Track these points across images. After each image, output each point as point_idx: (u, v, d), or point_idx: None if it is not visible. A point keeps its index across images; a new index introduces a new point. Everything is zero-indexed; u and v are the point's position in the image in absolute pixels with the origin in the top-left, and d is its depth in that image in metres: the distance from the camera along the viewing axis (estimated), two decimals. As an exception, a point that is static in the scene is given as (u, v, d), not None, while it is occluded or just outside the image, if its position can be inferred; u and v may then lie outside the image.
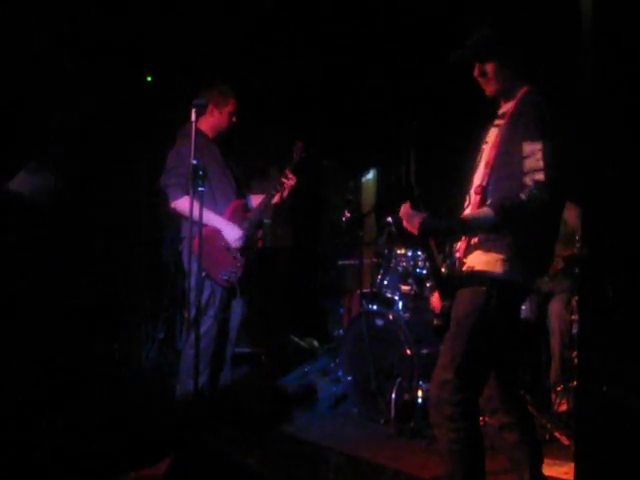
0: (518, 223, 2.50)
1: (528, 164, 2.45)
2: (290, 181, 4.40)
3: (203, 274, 4.13)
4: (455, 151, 3.31)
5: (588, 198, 2.69)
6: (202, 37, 5.62)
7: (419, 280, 4.65)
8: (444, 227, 2.58)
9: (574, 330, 4.21)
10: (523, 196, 2.41)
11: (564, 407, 4.14)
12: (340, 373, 4.85)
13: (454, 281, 2.70)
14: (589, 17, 2.58)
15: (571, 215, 4.34)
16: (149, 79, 5.96)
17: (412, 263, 4.71)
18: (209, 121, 4.39)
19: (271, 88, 6.28)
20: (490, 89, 2.77)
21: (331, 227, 7.15)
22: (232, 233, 4.28)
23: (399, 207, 2.58)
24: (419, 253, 4.70)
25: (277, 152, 4.48)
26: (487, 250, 2.61)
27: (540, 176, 2.41)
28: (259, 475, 3.43)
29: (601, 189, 2.67)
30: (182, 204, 4.09)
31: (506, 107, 2.74)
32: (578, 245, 4.15)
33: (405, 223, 2.56)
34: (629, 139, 2.78)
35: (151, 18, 5.32)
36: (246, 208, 4.50)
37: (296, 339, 6.63)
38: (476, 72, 2.77)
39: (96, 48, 5.31)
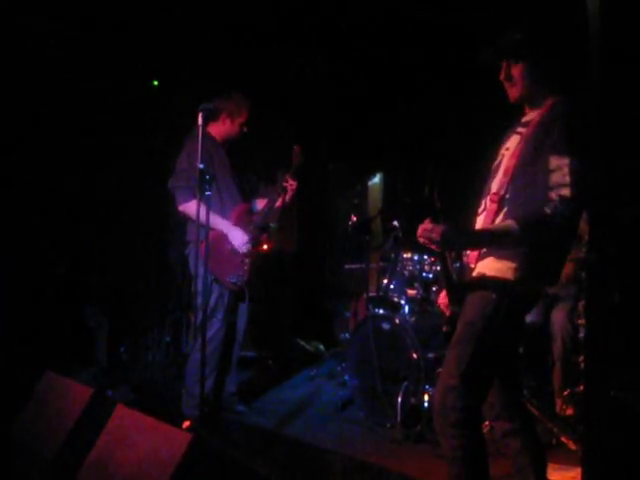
0: (541, 238, 2.47)
1: (554, 178, 2.41)
2: (291, 186, 4.41)
3: (211, 278, 4.14)
4: (474, 160, 3.29)
5: (595, 202, 2.69)
6: (209, 41, 5.64)
7: (425, 284, 4.65)
8: (465, 241, 2.56)
9: (581, 334, 4.20)
10: (548, 210, 2.37)
11: (570, 411, 4.13)
12: (346, 377, 4.85)
13: (464, 287, 2.69)
14: (596, 20, 2.58)
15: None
16: (155, 83, 5.98)
17: (418, 267, 4.71)
18: (221, 128, 4.42)
19: (277, 91, 6.29)
20: (514, 93, 2.71)
21: (337, 231, 7.16)
22: (239, 238, 4.29)
23: (418, 222, 2.50)
24: (425, 257, 4.70)
25: (284, 156, 4.49)
26: (499, 257, 2.58)
27: (566, 192, 2.38)
28: (265, 479, 3.44)
29: (609, 193, 2.67)
30: (190, 207, 4.10)
31: (531, 115, 2.69)
32: (584, 249, 4.13)
33: (423, 239, 2.49)
34: (637, 143, 2.78)
35: (157, 22, 5.34)
36: (251, 212, 4.51)
37: (302, 343, 6.64)
38: (502, 75, 2.72)
39: (103, 52, 5.35)
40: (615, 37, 2.54)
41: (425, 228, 2.47)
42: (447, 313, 2.80)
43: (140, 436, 2.82)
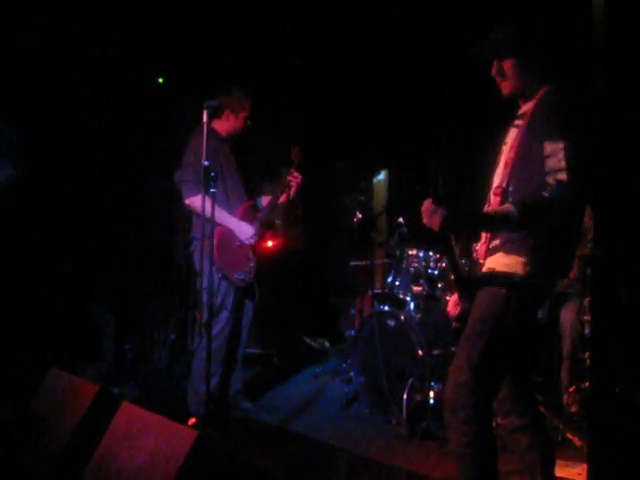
0: (540, 222, 2.47)
1: (550, 164, 2.41)
2: (296, 179, 4.40)
3: (219, 275, 4.14)
4: (478, 154, 3.28)
5: (601, 198, 2.68)
6: (212, 40, 5.64)
7: (431, 281, 4.63)
8: (465, 223, 2.55)
9: (587, 331, 4.18)
10: (546, 194, 2.37)
11: (576, 408, 4.12)
12: (352, 374, 4.85)
13: (474, 282, 2.68)
14: (601, 17, 2.57)
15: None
16: (161, 80, 5.98)
17: (424, 264, 4.69)
18: (225, 124, 4.41)
19: (282, 89, 6.29)
20: (507, 88, 2.73)
21: (343, 228, 7.15)
22: (244, 231, 4.29)
23: (420, 204, 2.53)
24: (430, 254, 4.69)
25: (288, 154, 4.48)
26: (508, 252, 2.58)
27: (562, 176, 2.38)
28: (271, 476, 3.45)
29: (614, 188, 2.66)
30: (197, 201, 4.06)
31: (526, 107, 2.70)
32: (589, 245, 4.12)
33: (425, 219, 2.51)
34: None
35: (162, 21, 5.34)
36: (256, 208, 4.51)
37: (308, 340, 6.64)
38: (493, 70, 2.74)
39: (108, 49, 5.35)
40: (619, 33, 2.53)
41: (427, 208, 2.48)
42: (453, 316, 2.81)
43: (146, 433, 2.82)
